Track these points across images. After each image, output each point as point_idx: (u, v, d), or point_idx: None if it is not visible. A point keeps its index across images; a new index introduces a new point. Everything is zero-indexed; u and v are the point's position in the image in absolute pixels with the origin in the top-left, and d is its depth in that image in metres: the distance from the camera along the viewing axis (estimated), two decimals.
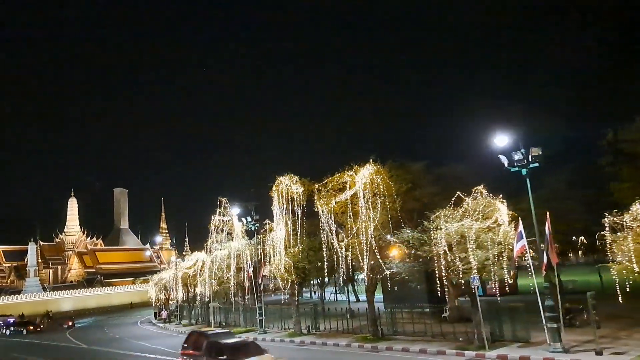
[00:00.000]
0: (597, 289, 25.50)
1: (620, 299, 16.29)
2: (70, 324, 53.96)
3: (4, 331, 49.86)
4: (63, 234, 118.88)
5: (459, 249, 18.28)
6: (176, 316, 48.54)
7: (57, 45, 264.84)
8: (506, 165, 17.78)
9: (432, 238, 19.15)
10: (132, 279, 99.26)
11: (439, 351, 19.14)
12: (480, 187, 19.54)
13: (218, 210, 33.78)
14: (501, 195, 19.28)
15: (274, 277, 29.39)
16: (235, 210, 33.59)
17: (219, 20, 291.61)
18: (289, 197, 26.72)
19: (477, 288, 18.58)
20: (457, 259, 18.24)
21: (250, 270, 31.47)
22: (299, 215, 26.23)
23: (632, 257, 14.83)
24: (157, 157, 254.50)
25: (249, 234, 33.13)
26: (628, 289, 15.82)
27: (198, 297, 40.54)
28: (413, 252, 20.54)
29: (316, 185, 24.69)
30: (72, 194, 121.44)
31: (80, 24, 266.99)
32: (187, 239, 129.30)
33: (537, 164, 17.24)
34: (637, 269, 14.86)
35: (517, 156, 17.40)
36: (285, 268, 27.08)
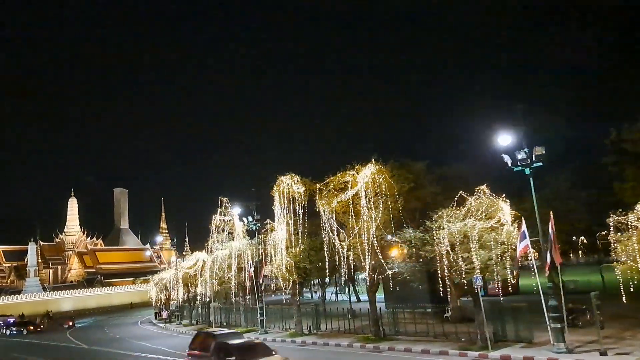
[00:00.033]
0: (599, 289, 25.42)
1: (624, 299, 16.19)
2: (70, 324, 53.87)
3: (4, 331, 49.75)
4: (63, 234, 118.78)
5: (462, 248, 18.20)
6: (177, 316, 48.45)
7: (57, 45, 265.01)
8: (509, 164, 17.68)
9: (434, 238, 19.07)
10: (132, 279, 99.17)
11: (441, 351, 19.05)
12: (483, 187, 19.45)
13: (219, 209, 33.69)
14: (504, 195, 19.18)
15: (275, 277, 29.31)
16: (236, 210, 33.50)
17: (219, 20, 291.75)
18: (290, 197, 26.63)
19: (480, 288, 18.49)
20: (460, 259, 18.16)
21: (252, 270, 31.38)
22: (300, 215, 26.15)
23: (638, 257, 14.73)
24: (157, 157, 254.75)
25: (250, 233, 33.04)
26: (632, 289, 15.74)
27: (199, 297, 40.42)
28: (414, 251, 20.48)
29: (318, 185, 24.61)
30: (72, 194, 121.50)
31: (80, 24, 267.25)
32: (187, 239, 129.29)
33: (540, 163, 17.15)
34: None
35: (521, 155, 17.29)
36: (286, 268, 26.99)
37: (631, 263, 15.12)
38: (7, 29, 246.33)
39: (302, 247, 27.09)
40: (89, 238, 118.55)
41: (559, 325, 16.48)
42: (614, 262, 16.24)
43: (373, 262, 22.42)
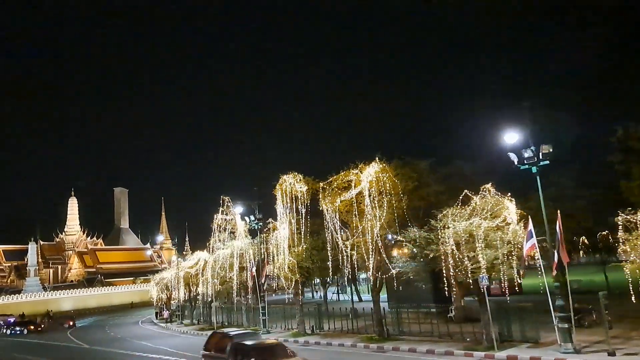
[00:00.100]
0: (603, 289, 25.26)
1: (633, 298, 16.02)
2: (71, 323, 53.66)
3: (4, 331, 49.55)
4: (63, 233, 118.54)
5: (468, 247, 18.01)
6: (178, 316, 48.28)
7: (57, 45, 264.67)
8: (516, 162, 17.49)
9: (439, 237, 18.88)
10: (132, 278, 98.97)
11: (446, 351, 18.88)
12: (489, 186, 19.28)
13: (221, 209, 33.52)
14: (509, 194, 19.01)
15: (277, 276, 29.15)
16: (238, 209, 33.34)
17: (219, 20, 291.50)
18: (293, 196, 26.49)
19: (486, 288, 18.30)
20: (466, 258, 17.98)
21: (253, 269, 31.20)
22: (303, 214, 26.01)
23: None
24: (157, 157, 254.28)
25: (252, 232, 32.88)
26: None
27: (200, 297, 40.23)
28: (419, 251, 20.29)
29: (321, 184, 24.45)
30: (72, 193, 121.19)
31: (80, 24, 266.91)
32: (187, 239, 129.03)
33: (547, 162, 16.96)
34: None
35: (527, 154, 17.10)
36: (289, 267, 26.82)
37: None
38: (7, 29, 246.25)
39: (304, 246, 26.92)
40: (89, 238, 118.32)
41: (566, 325, 16.32)
42: (622, 261, 16.01)
43: (377, 262, 22.27)
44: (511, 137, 17.65)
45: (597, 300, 20.96)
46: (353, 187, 22.76)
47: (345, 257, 23.02)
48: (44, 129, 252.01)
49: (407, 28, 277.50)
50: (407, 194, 23.31)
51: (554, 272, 16.72)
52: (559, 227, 16.46)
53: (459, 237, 18.13)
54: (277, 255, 27.53)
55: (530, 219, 17.03)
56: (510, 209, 18.51)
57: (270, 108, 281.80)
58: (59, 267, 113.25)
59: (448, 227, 18.58)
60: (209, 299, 38.21)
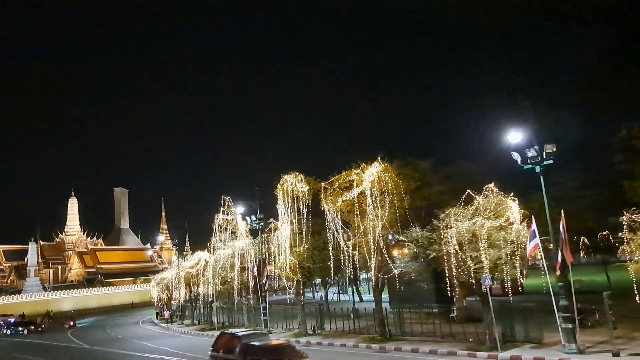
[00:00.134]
0: (605, 289, 25.15)
1: (637, 298, 15.94)
2: (71, 323, 53.60)
3: (4, 331, 49.48)
4: (63, 233, 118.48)
5: (470, 247, 17.95)
6: (178, 316, 48.26)
7: (57, 45, 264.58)
8: (519, 162, 17.42)
9: (442, 237, 18.82)
10: (132, 278, 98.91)
11: (449, 352, 18.81)
12: (491, 185, 19.21)
13: (222, 209, 33.44)
14: (512, 194, 18.94)
15: (278, 276, 29.08)
16: (239, 209, 33.27)
17: (219, 20, 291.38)
18: (294, 196, 26.43)
19: (489, 288, 18.22)
20: (469, 258, 17.91)
21: (255, 269, 31.13)
22: (304, 214, 25.94)
23: None
24: (157, 157, 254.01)
25: (253, 232, 32.82)
26: None
27: (201, 297, 40.17)
28: (421, 251, 20.21)
29: (323, 184, 24.36)
30: (73, 193, 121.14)
31: (80, 24, 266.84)
32: (187, 239, 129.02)
33: (551, 161, 16.89)
34: None
35: (531, 153, 17.03)
36: (290, 267, 26.75)
37: None
38: (7, 29, 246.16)
39: (305, 246, 26.86)
40: (89, 238, 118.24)
41: (570, 326, 16.24)
42: (626, 261, 15.94)
43: (379, 262, 22.19)
44: (514, 136, 17.57)
45: (599, 300, 20.97)
46: (355, 187, 22.68)
47: (347, 257, 22.97)
48: (44, 129, 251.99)
49: (408, 28, 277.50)
50: (409, 194, 23.24)
51: (558, 272, 16.64)
52: (563, 227, 16.39)
53: (461, 237, 18.07)
54: (279, 255, 27.48)
55: (533, 219, 16.95)
56: (513, 208, 18.44)
57: (270, 108, 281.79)
58: (59, 267, 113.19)
59: (451, 227, 18.51)
60: (210, 299, 38.16)
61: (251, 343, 15.66)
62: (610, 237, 47.24)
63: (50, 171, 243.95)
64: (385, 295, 28.72)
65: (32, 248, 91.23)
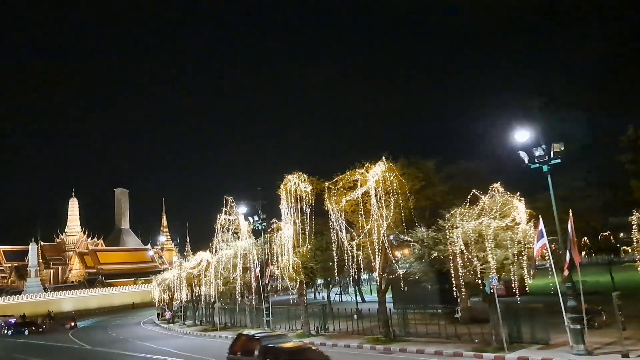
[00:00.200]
0: (609, 290, 24.99)
1: None
2: (72, 324, 53.44)
3: (5, 332, 49.35)
4: (64, 234, 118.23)
5: (477, 248, 17.78)
6: (180, 317, 48.11)
7: (57, 45, 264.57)
8: (526, 161, 17.25)
9: (447, 237, 18.65)
10: (133, 279, 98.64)
11: (455, 353, 18.65)
12: (497, 185, 19.05)
13: (224, 209, 33.28)
14: (518, 193, 18.79)
15: (281, 277, 28.93)
16: (241, 209, 33.12)
17: (219, 20, 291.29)
18: (298, 196, 26.28)
19: (495, 288, 18.05)
20: (475, 259, 17.75)
21: (257, 270, 30.98)
22: (308, 214, 25.80)
23: None
24: (157, 157, 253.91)
25: (256, 233, 32.67)
26: None
27: (202, 298, 40.02)
28: (426, 251, 20.05)
29: (326, 184, 24.23)
30: (73, 194, 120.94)
31: (80, 23, 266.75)
32: (188, 239, 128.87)
33: (559, 160, 16.74)
34: None
35: (538, 152, 16.87)
36: (293, 268, 26.60)
37: None
38: (7, 29, 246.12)
39: (309, 246, 26.71)
40: (90, 238, 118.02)
41: (578, 327, 16.05)
42: (636, 261, 15.77)
43: (383, 262, 22.03)
44: (521, 135, 17.41)
45: (603, 301, 20.84)
46: (359, 187, 22.55)
47: (350, 258, 22.82)
48: (44, 129, 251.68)
49: (408, 28, 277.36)
50: (413, 194, 23.10)
51: (566, 272, 16.47)
52: (571, 227, 16.23)
53: (467, 237, 17.90)
54: (282, 255, 27.34)
55: (541, 219, 16.79)
56: (519, 208, 18.29)
57: (271, 108, 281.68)
58: (60, 267, 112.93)
59: (457, 227, 18.35)
60: (212, 300, 38.01)
61: (271, 345, 15.09)
62: (612, 238, 47.20)
63: (50, 171, 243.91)
64: (388, 296, 28.61)
65: (33, 248, 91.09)
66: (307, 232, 26.11)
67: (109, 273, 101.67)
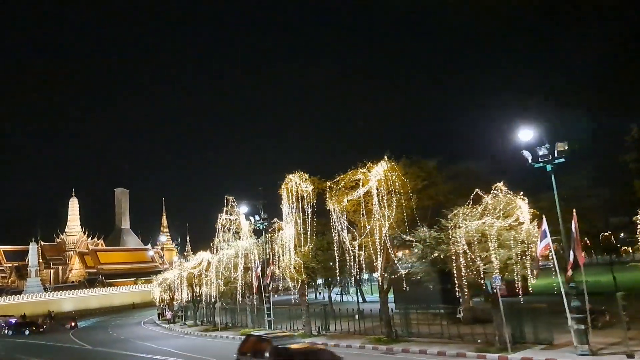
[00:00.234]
0: (612, 290, 24.90)
1: None
2: (72, 324, 53.32)
3: (5, 332, 49.26)
4: (64, 234, 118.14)
5: (480, 247, 17.69)
6: (180, 317, 48.02)
7: (57, 45, 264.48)
8: (530, 161, 17.16)
9: (450, 237, 18.56)
10: (133, 279, 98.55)
11: (458, 353, 18.56)
12: (500, 184, 18.96)
13: (225, 208, 33.19)
14: (522, 193, 18.70)
15: (282, 277, 28.88)
16: (242, 209, 33.04)
17: (219, 20, 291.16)
18: (299, 195, 26.22)
19: (498, 288, 17.96)
20: (478, 259, 17.65)
21: (258, 269, 30.90)
22: (309, 214, 25.72)
23: None
24: (157, 157, 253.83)
25: (257, 232, 32.59)
26: None
27: (203, 298, 39.94)
28: (429, 251, 19.96)
29: (328, 183, 24.16)
30: (73, 193, 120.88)
31: (80, 23, 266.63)
32: (188, 239, 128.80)
33: (563, 160, 16.65)
34: None
35: (542, 151, 16.78)
36: (295, 268, 26.51)
37: None
38: (7, 29, 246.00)
39: (310, 246, 26.63)
40: (90, 238, 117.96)
41: (582, 327, 15.97)
42: None
43: (385, 262, 21.94)
44: (525, 134, 17.32)
45: (605, 301, 20.75)
46: (361, 186, 22.47)
47: (352, 258, 22.73)
48: (44, 129, 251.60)
49: (408, 28, 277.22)
50: (415, 194, 23.02)
51: (570, 272, 16.38)
52: (575, 227, 16.14)
53: (471, 237, 17.82)
54: (283, 255, 27.26)
55: (544, 219, 16.70)
56: (522, 208, 18.19)
57: (271, 108, 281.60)
58: (60, 267, 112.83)
59: (459, 227, 18.25)
60: (213, 300, 37.94)
61: (283, 346, 14.67)
62: (612, 238, 47.12)
63: (50, 171, 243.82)
64: (390, 296, 28.53)
65: (33, 248, 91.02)
66: (308, 232, 26.05)
67: (109, 273, 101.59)
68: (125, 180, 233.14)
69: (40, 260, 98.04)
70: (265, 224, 30.61)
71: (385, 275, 22.69)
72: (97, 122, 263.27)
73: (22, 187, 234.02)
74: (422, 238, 20.26)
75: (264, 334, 17.16)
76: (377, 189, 21.60)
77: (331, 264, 26.02)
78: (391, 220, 21.21)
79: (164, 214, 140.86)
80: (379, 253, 21.73)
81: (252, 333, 18.95)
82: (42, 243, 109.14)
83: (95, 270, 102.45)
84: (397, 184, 21.25)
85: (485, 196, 18.99)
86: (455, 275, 18.41)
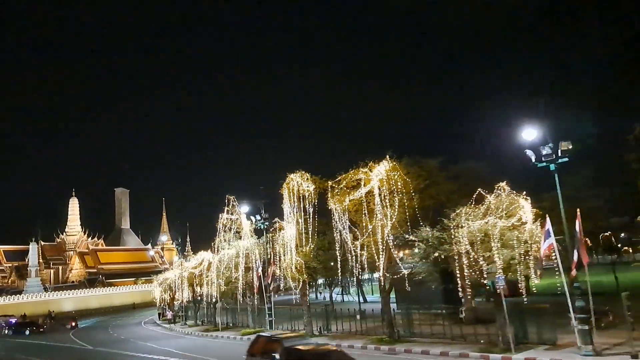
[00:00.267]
0: (614, 290, 24.81)
1: None
2: (73, 324, 53.25)
3: (6, 332, 49.19)
4: (64, 234, 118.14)
5: (483, 247, 17.59)
6: (181, 317, 47.93)
7: (57, 45, 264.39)
8: (533, 160, 17.07)
9: (452, 236, 18.47)
10: (133, 279, 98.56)
11: (461, 354, 18.46)
12: (503, 184, 18.86)
13: (226, 208, 33.11)
14: (525, 193, 18.61)
15: (283, 277, 28.80)
16: (243, 209, 32.96)
17: (219, 20, 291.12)
18: (300, 195, 26.13)
19: (501, 288, 17.85)
20: (481, 258, 17.55)
21: (260, 269, 30.81)
22: (310, 214, 25.64)
23: None
24: (157, 157, 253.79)
25: (258, 232, 32.50)
26: None
27: (204, 298, 39.85)
28: (431, 251, 19.87)
29: (330, 183, 24.06)
30: (73, 193, 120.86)
31: (80, 23, 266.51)
32: (188, 239, 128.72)
33: (566, 159, 16.55)
34: None
35: (545, 151, 16.68)
36: (296, 268, 26.43)
37: None
38: (7, 29, 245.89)
39: (311, 246, 26.55)
40: (90, 238, 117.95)
41: (586, 327, 15.87)
42: None
43: (387, 262, 21.85)
44: (529, 133, 17.22)
45: (607, 301, 20.64)
46: (362, 186, 22.37)
47: (354, 258, 22.64)
48: (44, 129, 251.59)
49: (408, 28, 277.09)
50: (417, 193, 22.92)
51: (574, 272, 16.29)
52: (579, 226, 16.05)
53: (473, 237, 17.72)
54: (284, 255, 27.18)
55: (548, 218, 16.61)
56: (525, 207, 18.10)
57: (271, 108, 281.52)
58: (60, 267, 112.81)
59: (462, 227, 18.16)
60: (214, 300, 37.85)
61: (295, 347, 14.31)
62: (613, 238, 47.04)
63: (50, 171, 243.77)
64: (391, 296, 28.44)
65: (33, 248, 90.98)
66: (309, 232, 25.98)
67: (110, 273, 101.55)
68: (125, 180, 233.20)
69: (41, 260, 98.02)
70: (267, 223, 30.52)
71: (387, 275, 22.60)
72: (97, 122, 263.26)
73: (22, 187, 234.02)
74: (425, 238, 20.18)
75: (273, 335, 16.80)
76: (379, 189, 21.50)
77: (332, 264, 25.93)
78: (393, 220, 21.11)
79: (164, 213, 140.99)
80: (381, 253, 21.63)
81: (262, 334, 18.59)
82: (42, 243, 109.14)
83: (95, 270, 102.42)
84: (399, 183, 21.16)
85: (488, 196, 18.91)
86: (458, 275, 18.34)
